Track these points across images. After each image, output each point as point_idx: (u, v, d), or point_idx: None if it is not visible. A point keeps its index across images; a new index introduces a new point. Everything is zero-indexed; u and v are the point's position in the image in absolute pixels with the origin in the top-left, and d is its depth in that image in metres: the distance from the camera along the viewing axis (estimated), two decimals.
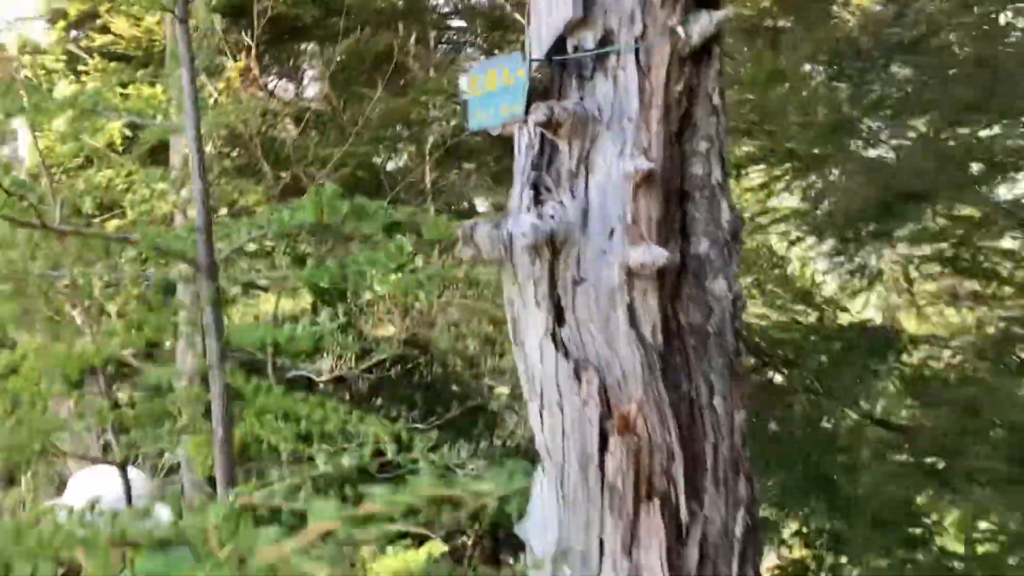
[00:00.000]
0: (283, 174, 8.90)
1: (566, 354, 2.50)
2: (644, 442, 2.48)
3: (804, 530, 6.36)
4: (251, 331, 2.83)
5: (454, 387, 9.73)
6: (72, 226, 2.39)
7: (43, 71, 8.29)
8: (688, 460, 2.54)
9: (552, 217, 2.48)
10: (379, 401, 9.50)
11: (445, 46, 11.35)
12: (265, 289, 9.73)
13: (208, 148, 8.21)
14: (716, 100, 2.59)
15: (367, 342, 9.26)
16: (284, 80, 10.77)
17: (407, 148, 9.66)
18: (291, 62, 10.22)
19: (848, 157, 4.38)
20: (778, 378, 4.61)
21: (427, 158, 9.51)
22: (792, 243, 5.14)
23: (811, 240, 5.02)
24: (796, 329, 4.75)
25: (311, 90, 10.26)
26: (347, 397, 9.12)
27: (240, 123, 8.49)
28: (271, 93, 9.88)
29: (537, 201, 2.54)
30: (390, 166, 10.38)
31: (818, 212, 4.91)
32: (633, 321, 2.47)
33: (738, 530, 2.57)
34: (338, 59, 9.43)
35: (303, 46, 10.16)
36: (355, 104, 8.93)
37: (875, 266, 4.92)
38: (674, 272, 2.57)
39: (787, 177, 5.40)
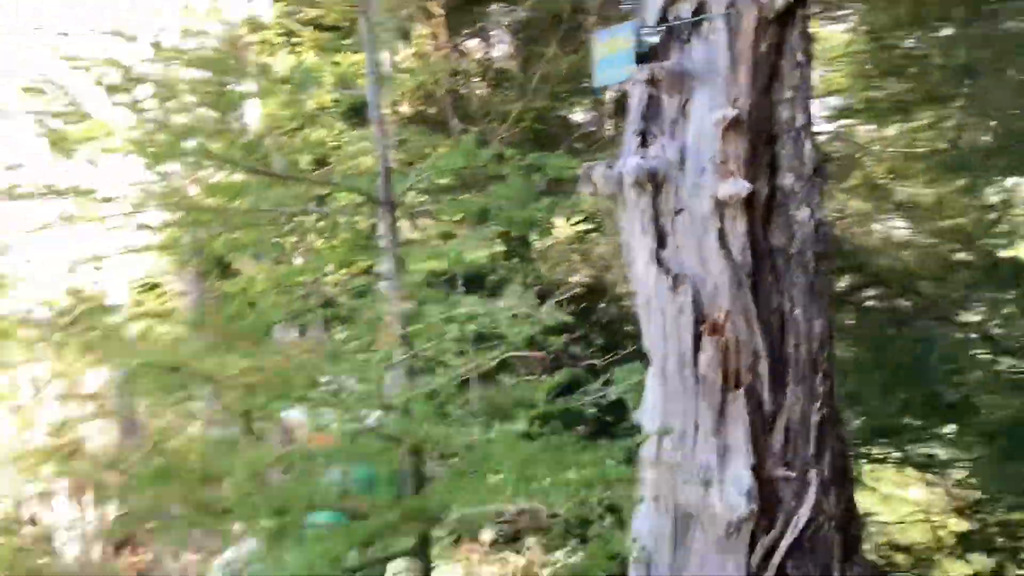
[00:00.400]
0: (472, 129, 9.72)
1: (666, 271, 3.06)
2: (731, 343, 3.02)
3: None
4: (424, 254, 3.57)
5: (628, 327, 10.30)
6: (291, 174, 3.18)
7: (265, 45, 9.45)
8: (774, 360, 3.06)
9: (655, 158, 3.04)
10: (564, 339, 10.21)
11: (628, 4, 11.72)
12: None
13: (404, 107, 9.16)
14: (800, 56, 3.03)
15: (549, 284, 10.00)
16: (475, 40, 11.57)
17: (580, 102, 10.20)
18: (479, 24, 10.96)
19: (978, 98, 4.52)
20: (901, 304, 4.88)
21: (605, 110, 10.05)
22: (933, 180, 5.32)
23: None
24: (931, 264, 4.95)
25: (498, 50, 10.97)
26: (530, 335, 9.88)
27: (432, 83, 9.37)
28: (461, 53, 10.70)
29: (643, 145, 3.10)
30: (578, 119, 10.99)
31: (953, 151, 5.07)
32: (723, 243, 2.99)
33: (814, 419, 3.05)
34: (522, 19, 10.11)
35: (489, 7, 10.88)
36: (536, 62, 9.58)
37: (1005, 200, 5.02)
38: (763, 202, 3.06)
39: (952, 122, 5.52)
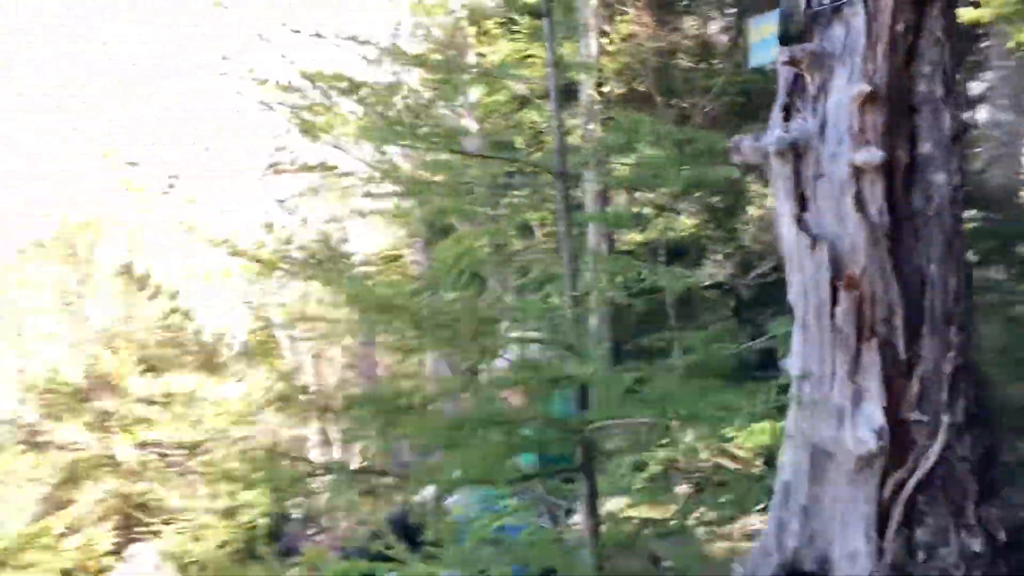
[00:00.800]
0: (684, 103, 10.07)
1: (807, 231, 3.41)
2: (867, 296, 3.33)
3: None
4: (602, 216, 4.11)
5: None
6: (483, 153, 3.79)
7: (485, 34, 10.26)
8: (910, 313, 3.34)
9: (796, 130, 3.40)
10: (765, 309, 10.37)
11: None
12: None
13: (606, 88, 9.65)
14: (939, 32, 3.27)
15: (752, 254, 10.20)
16: (683, 16, 11.83)
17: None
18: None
19: None
20: None
21: None
22: None
23: None
24: None
25: (705, 25, 11.18)
26: (732, 303, 10.13)
27: (638, 62, 9.81)
28: (672, 29, 11.02)
29: (787, 119, 3.46)
30: None
31: None
32: (860, 205, 3.30)
33: (947, 368, 3.31)
34: None
35: None
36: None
37: None
38: (903, 168, 3.34)
39: None
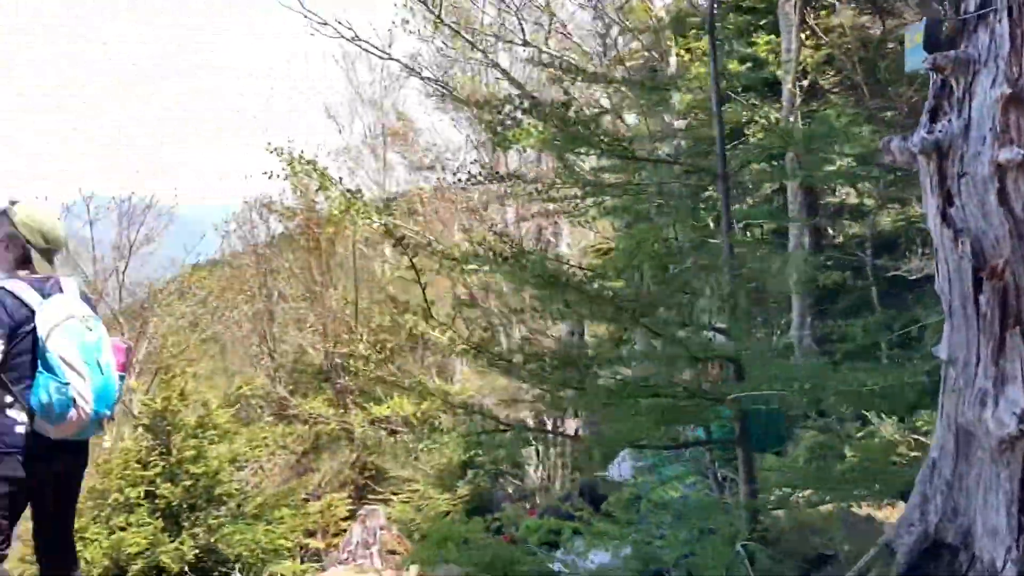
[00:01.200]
0: (890, 92, 9.94)
1: (950, 225, 3.63)
2: (1011, 286, 3.50)
3: None
4: (751, 212, 4.46)
5: None
6: (649, 157, 4.25)
7: (686, 36, 10.57)
8: None
9: (940, 131, 3.62)
10: None
11: None
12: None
13: (805, 81, 9.70)
14: None
15: None
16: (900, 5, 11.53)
17: None
18: None
19: None
20: None
21: None
22: None
23: None
24: None
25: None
26: None
27: (842, 54, 9.79)
28: (886, 16, 10.83)
29: (933, 120, 3.69)
30: None
31: None
32: (1003, 201, 3.48)
33: None
34: None
35: None
36: None
37: None
38: None
39: None
